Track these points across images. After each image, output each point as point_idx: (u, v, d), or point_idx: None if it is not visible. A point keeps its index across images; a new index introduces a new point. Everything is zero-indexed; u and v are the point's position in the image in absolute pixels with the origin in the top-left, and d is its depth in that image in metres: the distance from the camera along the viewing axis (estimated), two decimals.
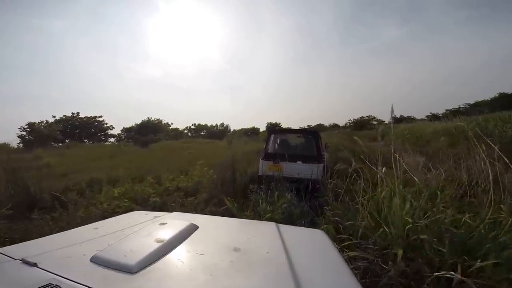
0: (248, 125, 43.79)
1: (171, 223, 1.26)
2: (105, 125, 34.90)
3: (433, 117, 31.96)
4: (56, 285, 0.72)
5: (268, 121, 42.74)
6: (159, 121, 40.01)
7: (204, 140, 28.83)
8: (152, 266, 0.85)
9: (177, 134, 35.49)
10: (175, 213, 1.66)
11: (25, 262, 0.86)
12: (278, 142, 6.40)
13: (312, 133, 6.07)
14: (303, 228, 1.77)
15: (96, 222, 1.43)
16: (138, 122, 38.10)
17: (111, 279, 0.77)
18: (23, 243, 1.11)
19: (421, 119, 33.81)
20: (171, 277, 0.81)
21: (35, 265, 0.84)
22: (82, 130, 32.57)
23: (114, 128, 35.33)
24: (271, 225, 1.41)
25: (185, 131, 41.80)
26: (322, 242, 1.21)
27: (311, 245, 1.19)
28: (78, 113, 33.02)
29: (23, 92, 64.62)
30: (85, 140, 31.24)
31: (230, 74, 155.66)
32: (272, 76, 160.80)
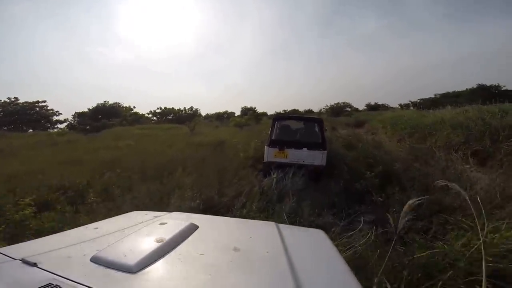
0: (225, 109, 41.45)
1: (171, 223, 1.24)
2: (50, 111, 31.02)
3: (413, 105, 31.96)
4: (56, 285, 0.71)
5: (243, 106, 40.40)
6: (118, 105, 36.03)
7: (167, 125, 25.76)
8: (152, 266, 0.85)
9: (135, 118, 31.34)
10: (175, 213, 1.63)
11: (25, 262, 0.86)
12: (283, 128, 6.43)
13: (317, 121, 6.39)
14: (303, 228, 1.74)
15: (96, 222, 1.40)
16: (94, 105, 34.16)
17: (111, 279, 0.77)
18: (23, 243, 1.08)
19: (392, 107, 35.74)
20: (171, 277, 0.81)
21: (35, 265, 0.83)
22: (20, 116, 28.60)
23: (60, 114, 31.49)
24: (271, 225, 1.40)
25: (150, 116, 37.83)
26: (322, 242, 1.20)
27: (311, 245, 1.19)
28: (16, 98, 29.66)
29: None
30: (25, 128, 28.20)
31: (207, 59, 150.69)
32: (251, 62, 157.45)
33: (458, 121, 8.02)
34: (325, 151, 5.31)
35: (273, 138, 5.75)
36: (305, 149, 5.35)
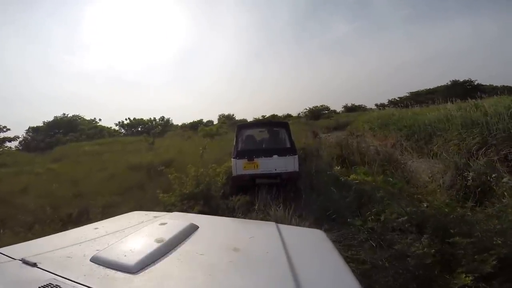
0: (203, 117, 39.95)
1: (171, 223, 1.23)
2: None
3: (393, 104, 31.61)
4: (56, 285, 0.70)
5: (221, 113, 38.74)
6: (79, 118, 32.92)
7: (131, 138, 23.38)
8: (152, 266, 0.83)
9: (96, 132, 28.09)
10: (175, 213, 1.61)
11: (25, 262, 0.84)
12: (248, 137, 5.89)
13: (282, 125, 6.14)
14: (303, 228, 1.72)
15: (96, 222, 1.37)
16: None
17: (111, 279, 0.76)
18: (23, 243, 1.07)
19: (369, 108, 36.17)
20: (171, 277, 0.80)
21: (35, 265, 0.82)
22: None
23: (8, 129, 27.09)
24: (271, 225, 1.37)
25: (117, 128, 34.80)
26: (322, 242, 1.17)
27: (311, 245, 1.16)
28: None
29: None
30: None
31: (185, 67, 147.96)
32: (227, 69, 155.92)
33: (470, 118, 6.33)
34: (296, 156, 5.01)
35: (239, 149, 5.24)
36: (275, 156, 4.97)
